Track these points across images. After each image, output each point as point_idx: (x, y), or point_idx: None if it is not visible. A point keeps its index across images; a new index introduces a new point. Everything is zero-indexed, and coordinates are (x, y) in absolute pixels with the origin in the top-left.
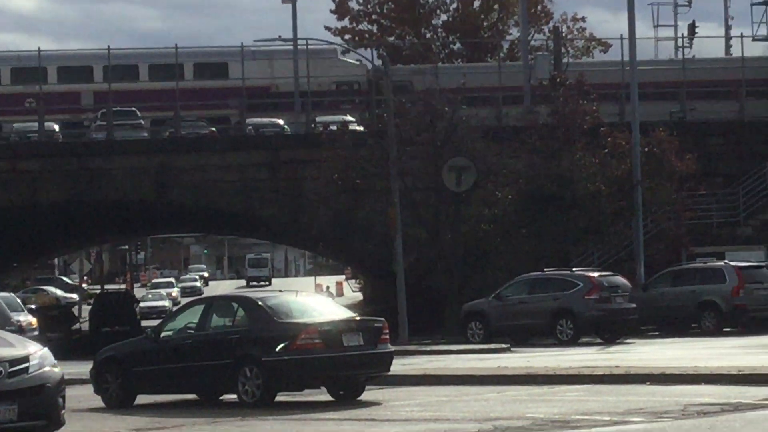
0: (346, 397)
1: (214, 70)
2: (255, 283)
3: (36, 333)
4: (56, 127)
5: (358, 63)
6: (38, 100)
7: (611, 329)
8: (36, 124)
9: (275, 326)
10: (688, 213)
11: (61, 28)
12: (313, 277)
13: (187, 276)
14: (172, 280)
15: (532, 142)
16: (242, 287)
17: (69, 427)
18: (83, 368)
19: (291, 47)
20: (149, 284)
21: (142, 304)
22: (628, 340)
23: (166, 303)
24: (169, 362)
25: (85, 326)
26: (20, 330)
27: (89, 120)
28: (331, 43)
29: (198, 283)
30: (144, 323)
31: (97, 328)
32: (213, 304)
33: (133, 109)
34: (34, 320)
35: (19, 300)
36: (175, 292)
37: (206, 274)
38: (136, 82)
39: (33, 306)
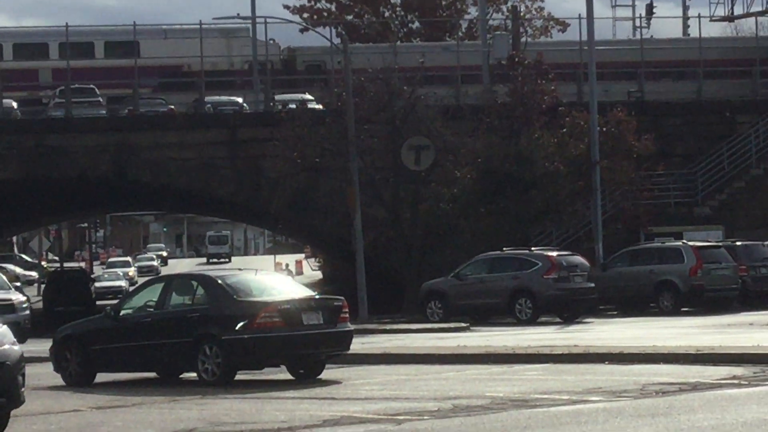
0: (306, 375)
1: (125, 48)
2: (215, 260)
3: (27, 312)
4: (14, 105)
5: (272, 42)
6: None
7: (570, 308)
8: None
9: (235, 305)
10: (646, 193)
11: (16, 4)
12: (272, 256)
13: (145, 255)
14: (129, 259)
15: (491, 121)
16: (202, 264)
17: (29, 405)
18: (42, 347)
19: (205, 26)
20: (106, 263)
21: (97, 284)
22: (586, 320)
23: (123, 283)
24: (129, 340)
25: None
26: (12, 309)
27: (47, 97)
28: (290, 21)
29: (155, 263)
30: (100, 303)
31: (51, 307)
32: (172, 282)
33: (92, 86)
34: (23, 297)
35: (5, 278)
36: (132, 271)
37: (164, 254)
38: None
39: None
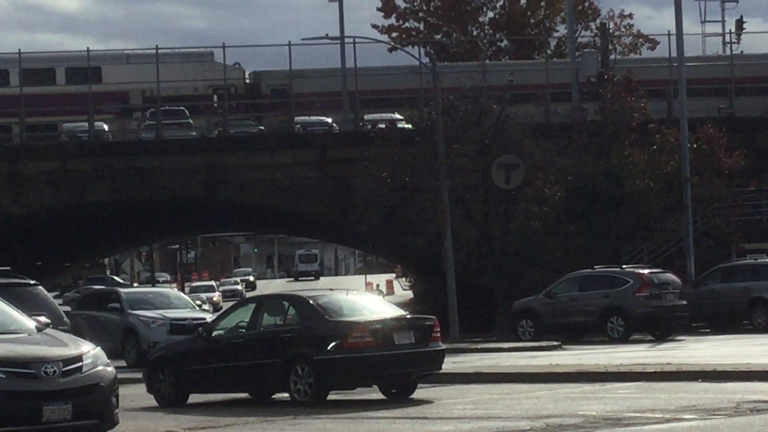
0: (398, 395)
1: (86, 74)
2: (304, 278)
3: None
4: (106, 127)
5: (237, 66)
6: (89, 99)
7: (662, 326)
8: (86, 124)
9: (326, 325)
10: (737, 209)
11: (105, 27)
12: (363, 276)
13: (229, 280)
14: (213, 283)
15: (581, 139)
16: (291, 282)
17: (122, 426)
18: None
19: (167, 51)
20: (188, 288)
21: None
22: (678, 337)
23: (202, 315)
24: (221, 361)
25: None
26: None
27: (138, 119)
28: (378, 41)
29: (240, 287)
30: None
31: None
32: (264, 302)
33: (182, 108)
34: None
35: (187, 297)
36: (216, 296)
37: (251, 278)
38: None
39: None
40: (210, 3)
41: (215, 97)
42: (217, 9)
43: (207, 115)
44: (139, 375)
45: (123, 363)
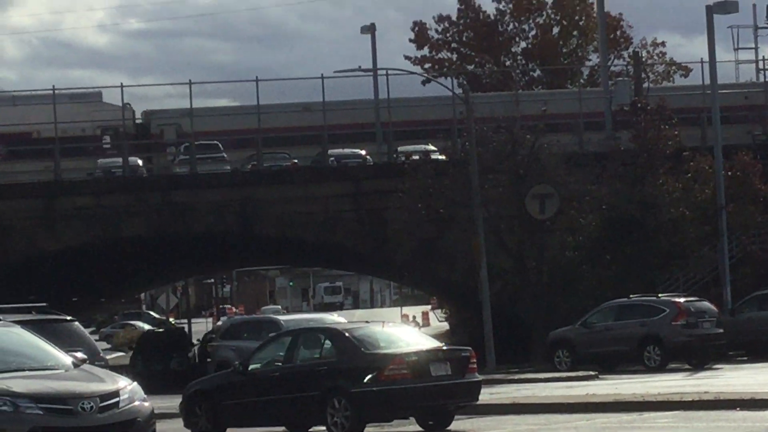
0: (435, 427)
1: None
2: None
3: None
4: (140, 162)
5: (128, 106)
6: (122, 135)
7: (699, 355)
8: (120, 159)
9: (363, 357)
10: None
11: (136, 63)
12: (399, 308)
13: (268, 307)
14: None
15: (615, 167)
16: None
17: None
18: (171, 402)
19: (56, 92)
20: (213, 328)
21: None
22: (716, 366)
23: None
24: (258, 395)
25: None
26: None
27: (172, 154)
28: (411, 72)
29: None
30: None
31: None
32: (300, 336)
33: (216, 142)
34: None
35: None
36: None
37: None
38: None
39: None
40: (240, 37)
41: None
42: (248, 43)
43: (241, 149)
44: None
45: None
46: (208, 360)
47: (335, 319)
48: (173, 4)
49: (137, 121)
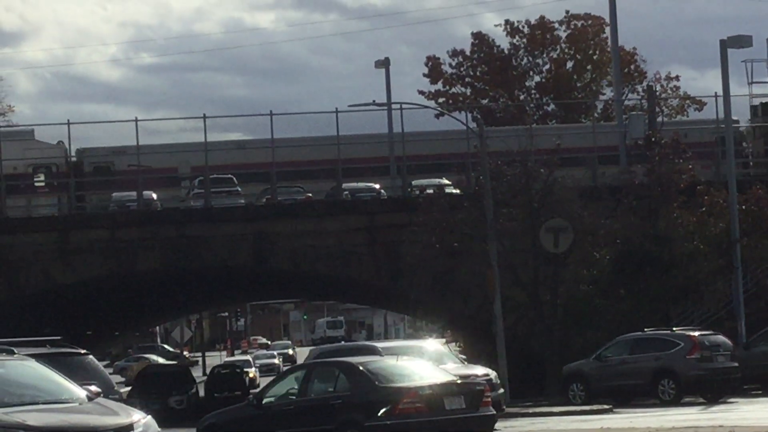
0: None
1: None
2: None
3: None
4: (154, 196)
5: (59, 144)
6: (137, 171)
7: (714, 389)
8: (134, 193)
9: (377, 391)
10: None
11: (148, 97)
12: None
13: (266, 353)
14: (250, 358)
15: (629, 201)
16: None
17: None
18: None
19: None
20: (221, 363)
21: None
22: (731, 400)
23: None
24: (272, 428)
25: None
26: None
27: (186, 188)
28: (425, 107)
29: (277, 360)
30: None
31: (212, 395)
32: (314, 369)
33: (230, 176)
34: None
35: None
36: (252, 372)
37: (291, 351)
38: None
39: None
40: (253, 71)
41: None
42: (260, 77)
43: (255, 183)
44: None
45: None
46: (215, 395)
47: (433, 345)
48: (185, 38)
49: (72, 159)
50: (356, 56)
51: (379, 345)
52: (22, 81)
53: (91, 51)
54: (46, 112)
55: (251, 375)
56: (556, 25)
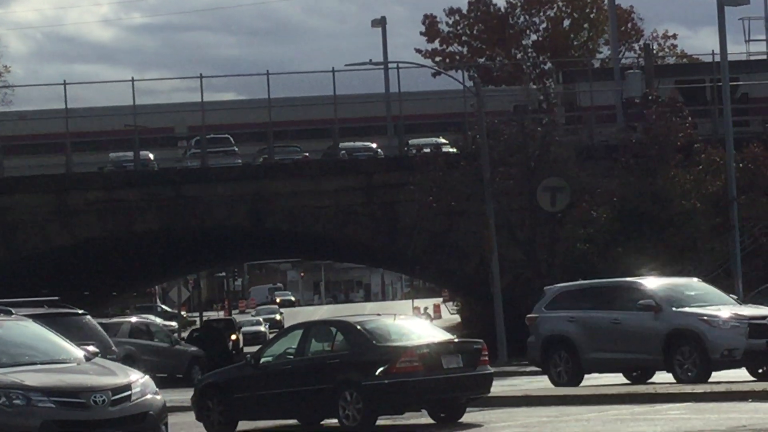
0: (447, 419)
1: None
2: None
3: None
4: (151, 156)
5: None
6: (134, 129)
7: None
8: (131, 153)
9: (374, 350)
10: None
11: (140, 57)
12: (410, 300)
13: (251, 319)
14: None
15: (626, 160)
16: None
17: None
18: (185, 395)
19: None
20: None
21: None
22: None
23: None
24: (270, 388)
25: None
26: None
27: (183, 148)
28: (422, 66)
29: (262, 328)
30: None
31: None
32: (311, 329)
33: (227, 136)
34: None
35: None
36: (235, 335)
37: (279, 316)
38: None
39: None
40: (245, 31)
41: None
42: (253, 37)
43: (252, 143)
44: None
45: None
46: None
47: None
48: None
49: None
50: (350, 16)
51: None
52: (13, 41)
53: (83, 11)
54: (39, 73)
55: (233, 338)
56: None
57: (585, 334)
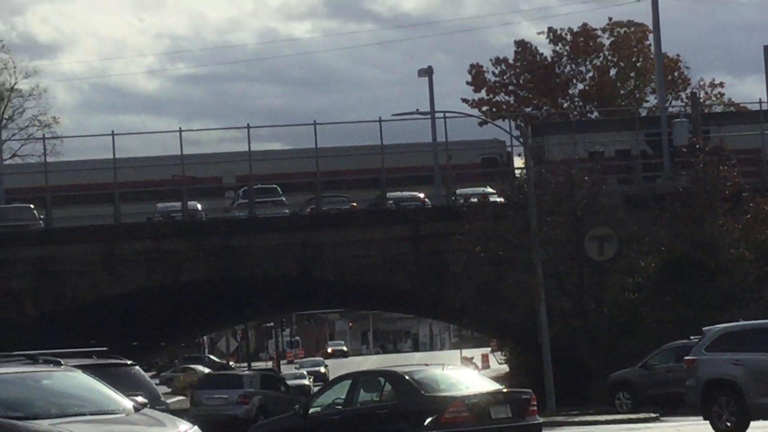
0: None
1: None
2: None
3: None
4: (199, 206)
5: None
6: (181, 179)
7: None
8: (179, 203)
9: (423, 400)
10: None
11: (185, 108)
12: (458, 350)
13: (294, 371)
14: (303, 371)
15: (674, 209)
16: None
17: None
18: None
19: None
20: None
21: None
22: None
23: None
24: None
25: None
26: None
27: (231, 198)
28: (469, 115)
29: (306, 381)
30: None
31: None
32: (360, 379)
33: (275, 186)
34: None
35: None
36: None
37: (323, 369)
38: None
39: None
40: (290, 81)
41: None
42: (297, 86)
43: (299, 193)
44: None
45: None
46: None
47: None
48: (221, 49)
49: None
50: (394, 65)
51: None
52: (60, 92)
53: (128, 62)
54: (85, 124)
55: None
56: (599, 33)
57: (752, 377)
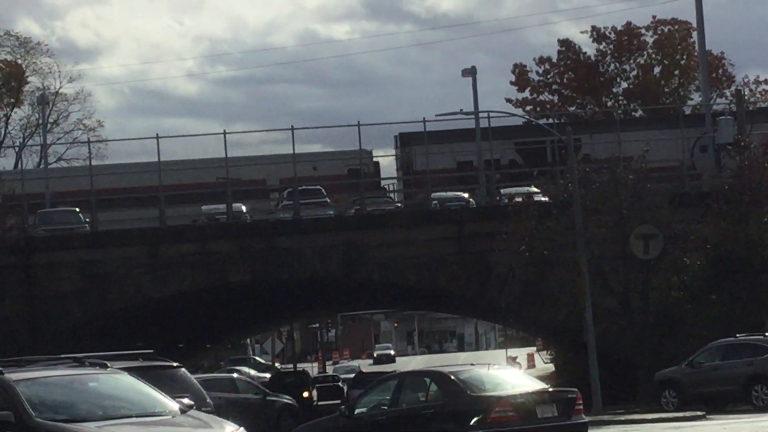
0: None
1: None
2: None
3: None
4: (244, 208)
5: None
6: (226, 182)
7: None
8: (224, 205)
9: (469, 400)
10: None
11: (226, 110)
12: (504, 350)
13: (342, 365)
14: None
15: (718, 206)
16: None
17: None
18: None
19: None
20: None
21: None
22: None
23: None
24: None
25: None
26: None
27: (275, 200)
28: (513, 114)
29: (341, 385)
30: None
31: None
32: (405, 379)
33: (319, 187)
34: None
35: None
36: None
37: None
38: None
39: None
40: (330, 83)
41: None
42: (337, 88)
43: (343, 194)
44: None
45: None
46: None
47: None
48: (260, 51)
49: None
50: (434, 66)
51: None
52: (101, 96)
53: (168, 66)
54: (127, 127)
55: (305, 395)
56: (643, 31)
57: None
